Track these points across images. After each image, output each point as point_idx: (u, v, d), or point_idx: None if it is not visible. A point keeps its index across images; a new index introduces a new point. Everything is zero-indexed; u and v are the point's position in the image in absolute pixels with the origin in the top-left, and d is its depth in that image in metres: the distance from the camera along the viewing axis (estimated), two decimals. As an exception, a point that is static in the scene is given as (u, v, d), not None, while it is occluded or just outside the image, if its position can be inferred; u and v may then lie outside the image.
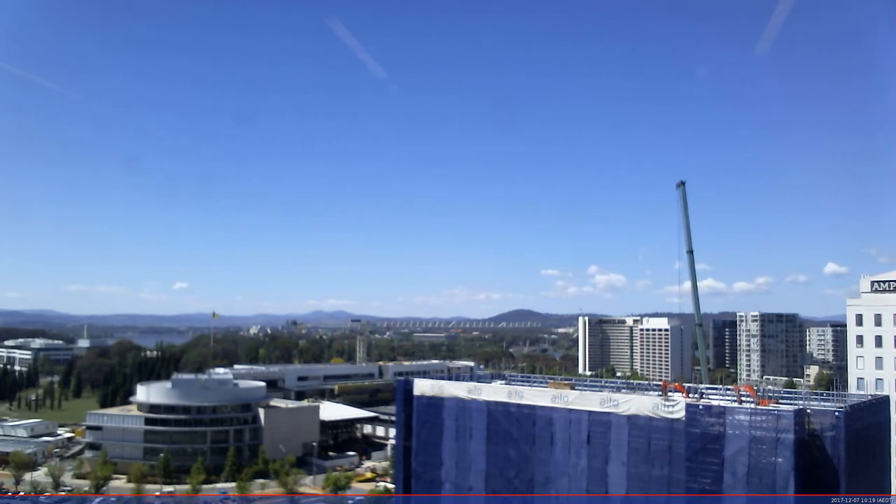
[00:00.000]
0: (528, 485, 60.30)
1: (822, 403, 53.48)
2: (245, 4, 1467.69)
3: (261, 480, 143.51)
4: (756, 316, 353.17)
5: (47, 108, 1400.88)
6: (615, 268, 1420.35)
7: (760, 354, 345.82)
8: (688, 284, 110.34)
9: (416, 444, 69.80)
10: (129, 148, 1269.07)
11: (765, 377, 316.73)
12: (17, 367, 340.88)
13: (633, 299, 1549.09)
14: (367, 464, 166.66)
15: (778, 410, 48.10)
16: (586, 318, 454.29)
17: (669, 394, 58.65)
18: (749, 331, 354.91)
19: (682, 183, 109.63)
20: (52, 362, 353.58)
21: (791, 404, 52.13)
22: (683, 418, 51.09)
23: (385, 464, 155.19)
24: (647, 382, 75.52)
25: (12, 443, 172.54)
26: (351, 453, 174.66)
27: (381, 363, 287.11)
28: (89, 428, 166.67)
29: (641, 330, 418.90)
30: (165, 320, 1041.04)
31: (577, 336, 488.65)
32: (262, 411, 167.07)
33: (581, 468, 56.86)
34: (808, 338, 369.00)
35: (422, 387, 70.52)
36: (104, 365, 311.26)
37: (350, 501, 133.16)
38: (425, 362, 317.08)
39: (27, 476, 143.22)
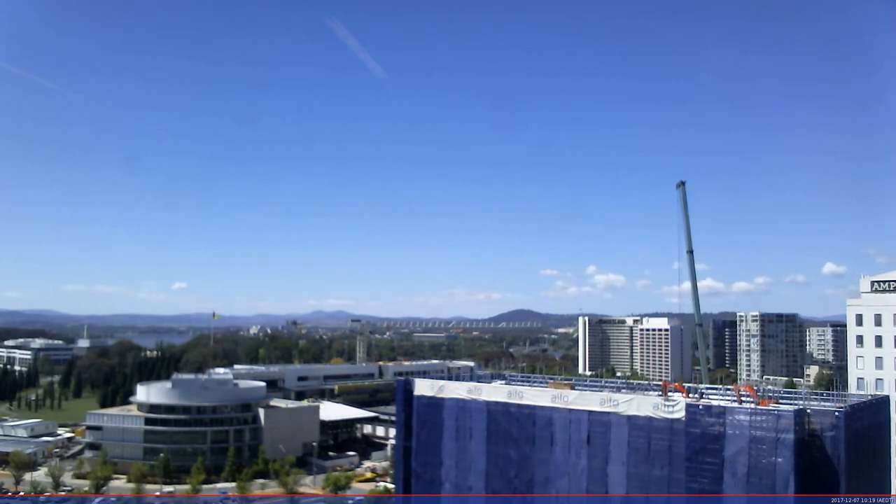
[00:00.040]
0: (528, 485, 60.29)
1: (822, 403, 53.46)
2: (245, 4, 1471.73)
3: (261, 480, 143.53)
4: (756, 316, 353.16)
5: (47, 108, 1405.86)
6: (615, 268, 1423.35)
7: (760, 354, 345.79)
8: (687, 284, 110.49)
9: (416, 444, 69.78)
10: (129, 148, 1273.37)
11: (765, 377, 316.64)
12: (17, 367, 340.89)
13: (633, 299, 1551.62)
14: (367, 464, 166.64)
15: (778, 410, 48.08)
16: (586, 318, 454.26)
17: (669, 394, 58.64)
18: (749, 331, 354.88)
19: (682, 183, 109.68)
20: (52, 362, 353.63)
21: (791, 404, 52.11)
22: (683, 418, 51.07)
23: (385, 464, 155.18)
24: (647, 382, 75.53)
25: (12, 443, 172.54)
26: (351, 453, 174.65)
27: (381, 363, 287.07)
28: (89, 428, 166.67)
29: (641, 330, 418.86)
30: (165, 320, 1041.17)
31: (577, 336, 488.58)
32: (262, 411, 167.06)
33: (581, 468, 56.85)
34: (808, 338, 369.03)
35: (422, 387, 70.49)
36: (104, 365, 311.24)
37: (350, 501, 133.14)
38: (425, 362, 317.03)
39: (27, 476, 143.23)
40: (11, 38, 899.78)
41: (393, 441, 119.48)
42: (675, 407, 52.29)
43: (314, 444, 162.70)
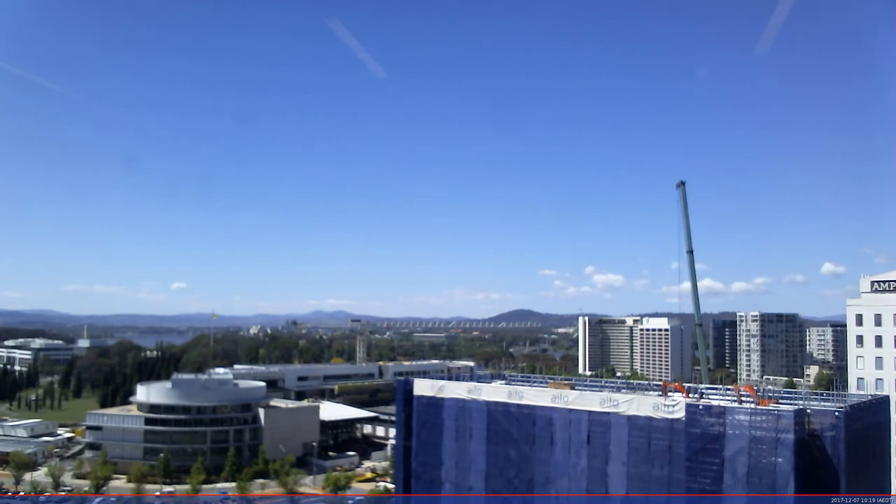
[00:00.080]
0: (528, 485, 60.29)
1: (822, 403, 53.48)
2: (245, 4, 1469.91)
3: (261, 480, 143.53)
4: (756, 316, 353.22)
5: (47, 108, 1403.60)
6: (614, 268, 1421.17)
7: (760, 354, 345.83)
8: (687, 284, 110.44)
9: (416, 444, 69.78)
10: (129, 148, 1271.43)
11: (765, 377, 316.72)
12: (17, 367, 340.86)
13: (633, 299, 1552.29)
14: (367, 464, 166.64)
15: (778, 410, 48.09)
16: (586, 318, 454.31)
17: (669, 394, 58.66)
18: (749, 331, 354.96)
19: (682, 183, 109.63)
20: (52, 362, 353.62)
21: (791, 404, 52.13)
22: (683, 418, 51.09)
23: (385, 464, 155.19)
24: (647, 382, 75.54)
25: (12, 443, 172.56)
26: (351, 453, 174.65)
27: (381, 363, 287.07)
28: (89, 428, 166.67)
29: (641, 330, 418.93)
30: (165, 320, 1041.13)
31: (577, 336, 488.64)
32: (262, 411, 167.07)
33: (581, 468, 56.86)
34: (808, 338, 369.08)
35: (422, 387, 70.49)
36: (104, 365, 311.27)
37: (350, 501, 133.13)
38: (425, 362, 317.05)
39: (27, 476, 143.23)
40: (11, 38, 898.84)
41: (393, 441, 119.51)
42: (675, 407, 52.30)
43: (314, 444, 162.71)
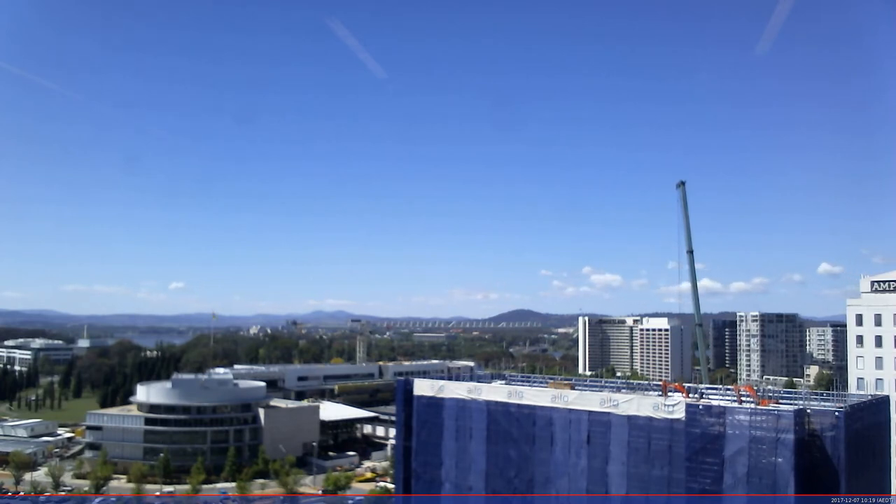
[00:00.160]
0: (528, 485, 60.29)
1: (822, 403, 53.48)
2: (245, 4, 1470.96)
3: (261, 480, 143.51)
4: (756, 316, 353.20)
5: (47, 108, 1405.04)
6: (613, 268, 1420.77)
7: (760, 354, 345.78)
8: (687, 284, 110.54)
9: (416, 444, 69.78)
10: (129, 148, 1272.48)
11: (765, 377, 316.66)
12: (17, 367, 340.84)
13: (632, 299, 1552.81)
14: (367, 464, 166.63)
15: (778, 410, 48.09)
16: (586, 319, 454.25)
17: (669, 394, 58.65)
18: (749, 331, 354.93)
19: (682, 183, 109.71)
20: (52, 362, 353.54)
21: (791, 404, 52.13)
22: (683, 418, 51.08)
23: (385, 464, 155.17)
24: (647, 382, 75.51)
25: (12, 443, 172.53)
26: (351, 453, 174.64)
27: (381, 363, 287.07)
28: (89, 428, 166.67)
29: (641, 330, 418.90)
30: (165, 320, 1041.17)
31: (577, 336, 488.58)
32: (262, 411, 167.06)
33: (581, 468, 56.85)
34: (808, 338, 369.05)
35: (422, 387, 70.49)
36: (104, 365, 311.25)
37: (350, 501, 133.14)
38: (425, 362, 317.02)
39: (27, 476, 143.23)
40: (11, 38, 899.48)
41: (393, 441, 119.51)
42: (675, 407, 52.29)
43: (314, 444, 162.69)
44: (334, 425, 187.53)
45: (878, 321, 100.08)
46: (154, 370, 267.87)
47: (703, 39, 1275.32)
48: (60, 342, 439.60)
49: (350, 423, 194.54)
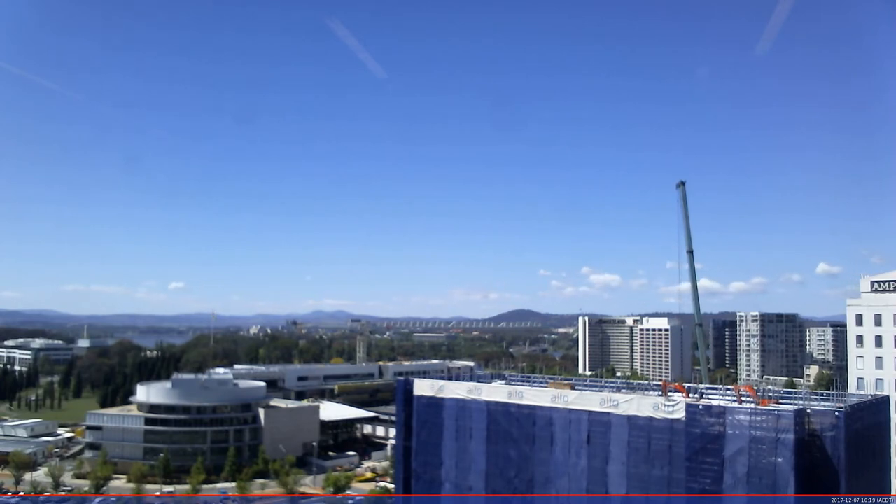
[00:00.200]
0: (528, 485, 60.28)
1: (822, 403, 53.46)
2: (245, 4, 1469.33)
3: (261, 480, 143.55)
4: (756, 316, 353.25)
5: (47, 108, 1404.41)
6: (612, 268, 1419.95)
7: (760, 354, 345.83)
8: (687, 284, 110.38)
9: (416, 444, 69.77)
10: (129, 148, 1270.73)
11: (765, 377, 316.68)
12: (17, 367, 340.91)
13: (632, 299, 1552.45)
14: (367, 464, 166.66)
15: (778, 410, 48.07)
16: (586, 318, 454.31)
17: (669, 394, 58.64)
18: (749, 331, 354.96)
19: (682, 183, 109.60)
20: (52, 362, 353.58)
21: (791, 404, 52.12)
22: (683, 418, 51.06)
23: (385, 464, 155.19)
24: (647, 382, 75.49)
25: (12, 443, 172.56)
26: (351, 453, 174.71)
27: (381, 363, 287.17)
28: (89, 428, 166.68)
29: (641, 330, 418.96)
30: (165, 320, 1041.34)
31: (577, 336, 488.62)
32: (262, 411, 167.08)
33: (581, 468, 56.85)
34: (808, 338, 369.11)
35: (422, 387, 70.47)
36: (104, 365, 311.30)
37: (350, 501, 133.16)
38: (425, 362, 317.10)
39: (27, 476, 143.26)
40: (11, 38, 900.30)
41: (393, 441, 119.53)
42: (675, 407, 52.28)
43: (314, 444, 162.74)
44: (334, 425, 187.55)
45: (878, 321, 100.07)
46: (154, 370, 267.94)
47: (703, 39, 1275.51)
48: (60, 342, 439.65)
49: (350, 423, 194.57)
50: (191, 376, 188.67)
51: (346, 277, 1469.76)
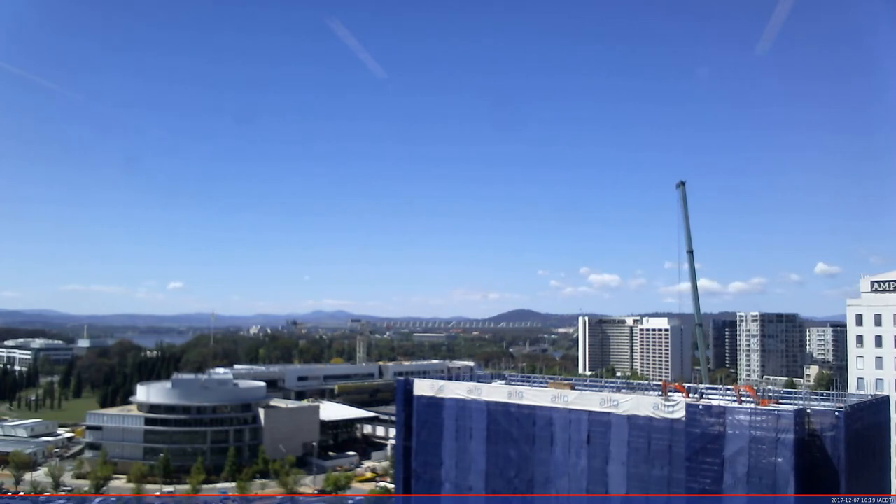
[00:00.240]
0: (528, 485, 60.28)
1: (822, 403, 53.46)
2: (245, 4, 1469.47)
3: (261, 480, 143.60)
4: (756, 316, 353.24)
5: (47, 108, 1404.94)
6: (611, 268, 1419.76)
7: (760, 354, 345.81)
8: (687, 284, 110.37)
9: (416, 444, 69.77)
10: (129, 148, 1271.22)
11: (765, 377, 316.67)
12: (17, 367, 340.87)
13: (631, 299, 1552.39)
14: (367, 464, 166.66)
15: (778, 410, 48.07)
16: (586, 318, 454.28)
17: (669, 394, 58.63)
18: (749, 331, 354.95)
19: (682, 183, 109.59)
20: (52, 362, 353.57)
21: (791, 404, 52.11)
22: (683, 418, 51.07)
23: (385, 464, 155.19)
24: (647, 382, 75.48)
25: (12, 443, 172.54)
26: (351, 453, 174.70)
27: (381, 363, 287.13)
28: (89, 428, 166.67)
29: (641, 330, 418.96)
30: (165, 320, 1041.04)
31: (577, 336, 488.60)
32: (262, 411, 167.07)
33: (581, 468, 56.85)
34: (808, 338, 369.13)
35: (422, 387, 70.47)
36: (104, 365, 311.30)
37: (350, 501, 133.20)
38: (425, 362, 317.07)
39: (27, 476, 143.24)
40: (11, 38, 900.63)
41: (393, 441, 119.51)
42: (675, 407, 52.29)
43: (314, 444, 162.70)
44: (334, 425, 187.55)
45: (878, 321, 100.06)
46: (154, 370, 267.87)
47: (703, 39, 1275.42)
48: (60, 342, 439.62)
49: (350, 423, 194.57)
50: (191, 376, 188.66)
51: (345, 277, 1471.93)
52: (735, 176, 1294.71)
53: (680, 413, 51.57)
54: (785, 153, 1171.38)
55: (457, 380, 76.67)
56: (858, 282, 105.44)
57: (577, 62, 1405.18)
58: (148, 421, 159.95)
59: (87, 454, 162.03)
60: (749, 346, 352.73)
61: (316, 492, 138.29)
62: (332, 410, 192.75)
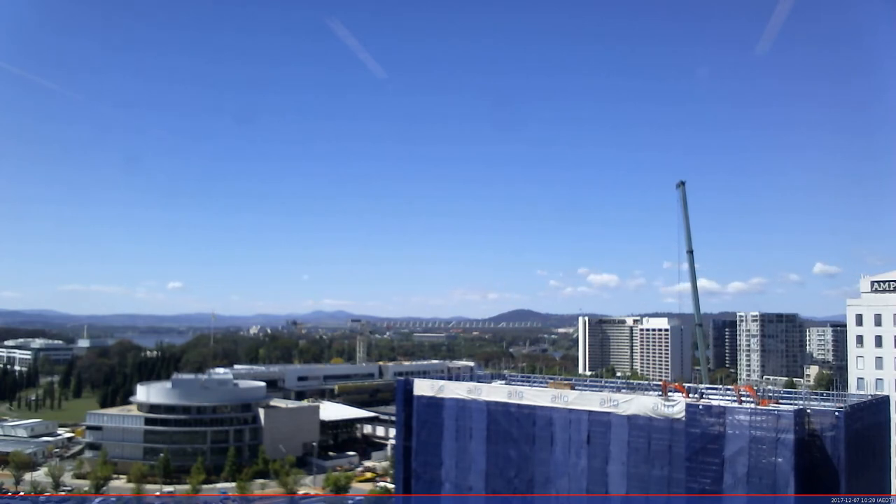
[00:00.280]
0: (528, 485, 60.27)
1: (822, 403, 53.44)
2: (245, 4, 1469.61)
3: (261, 480, 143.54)
4: (756, 316, 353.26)
5: (47, 108, 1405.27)
6: (611, 268, 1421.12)
7: (760, 354, 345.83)
8: (687, 284, 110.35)
9: (416, 444, 69.76)
10: (129, 148, 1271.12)
11: (765, 377, 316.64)
12: (17, 367, 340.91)
13: (632, 299, 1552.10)
14: (367, 464, 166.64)
15: (778, 410, 48.06)
16: (586, 318, 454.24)
17: (669, 394, 58.64)
18: (749, 331, 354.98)
19: (682, 183, 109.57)
20: (52, 362, 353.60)
21: (791, 404, 52.10)
22: (683, 418, 51.06)
23: (385, 464, 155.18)
24: (647, 382, 75.47)
25: (12, 443, 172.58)
26: (351, 453, 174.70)
27: (381, 363, 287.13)
28: (89, 428, 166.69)
29: (641, 330, 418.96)
30: (165, 320, 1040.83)
31: (577, 336, 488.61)
32: (262, 411, 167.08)
33: (581, 468, 56.83)
34: (808, 338, 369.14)
35: (422, 387, 70.46)
36: (104, 365, 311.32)
37: (350, 501, 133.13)
38: (425, 362, 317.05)
39: (27, 476, 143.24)
40: (11, 38, 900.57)
41: (393, 441, 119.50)
42: (675, 407, 52.27)
43: (314, 444, 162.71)
44: (334, 425, 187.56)
45: (878, 321, 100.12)
46: (154, 370, 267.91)
47: (703, 39, 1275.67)
48: (60, 342, 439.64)
49: (350, 423, 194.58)
50: (191, 376, 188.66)
51: (345, 277, 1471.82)
52: (735, 176, 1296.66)
53: (680, 413, 51.55)
54: (785, 153, 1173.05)
55: (457, 380, 76.66)
56: (858, 282, 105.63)
57: (577, 62, 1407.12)
58: (148, 421, 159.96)
59: (87, 454, 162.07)
60: (749, 346, 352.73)
61: (324, 491, 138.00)
62: (332, 410, 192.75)
